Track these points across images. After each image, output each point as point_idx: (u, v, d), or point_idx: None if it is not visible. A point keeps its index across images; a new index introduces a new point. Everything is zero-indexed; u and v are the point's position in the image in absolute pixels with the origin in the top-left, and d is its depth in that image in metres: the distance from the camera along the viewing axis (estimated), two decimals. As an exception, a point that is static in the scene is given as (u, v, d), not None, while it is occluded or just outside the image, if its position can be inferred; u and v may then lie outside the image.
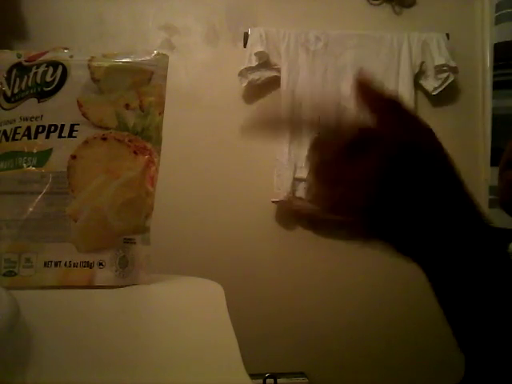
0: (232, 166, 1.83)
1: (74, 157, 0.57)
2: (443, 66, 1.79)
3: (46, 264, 0.55)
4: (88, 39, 1.78)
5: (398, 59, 1.82)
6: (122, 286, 0.56)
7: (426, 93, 1.87)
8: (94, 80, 0.59)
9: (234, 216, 1.83)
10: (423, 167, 0.38)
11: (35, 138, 0.58)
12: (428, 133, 0.41)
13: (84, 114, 0.58)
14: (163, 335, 0.41)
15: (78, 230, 0.56)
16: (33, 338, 0.36)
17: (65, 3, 1.79)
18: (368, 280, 1.82)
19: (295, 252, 1.84)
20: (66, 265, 0.56)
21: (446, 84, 1.81)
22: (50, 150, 0.57)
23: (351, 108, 0.40)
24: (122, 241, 0.58)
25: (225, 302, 0.51)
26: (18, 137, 0.58)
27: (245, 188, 1.84)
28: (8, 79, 0.60)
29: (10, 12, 1.75)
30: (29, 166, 0.57)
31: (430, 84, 1.84)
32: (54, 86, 0.59)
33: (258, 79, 1.81)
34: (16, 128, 0.58)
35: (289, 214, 1.82)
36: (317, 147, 0.40)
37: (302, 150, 1.77)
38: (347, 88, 1.79)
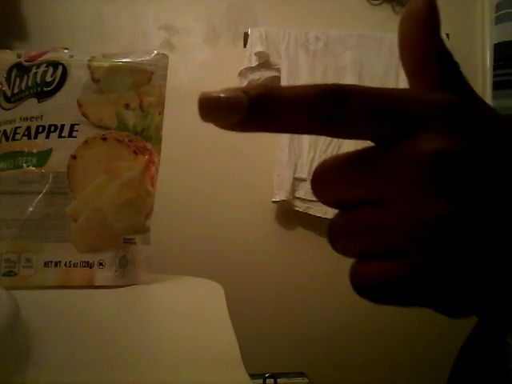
0: (232, 166, 1.83)
1: (74, 157, 0.57)
2: (443, 66, 1.79)
3: (45, 264, 0.55)
4: (88, 39, 1.78)
5: (398, 59, 1.82)
6: (121, 286, 0.56)
7: (426, 93, 1.87)
8: (94, 80, 0.59)
9: (234, 216, 1.83)
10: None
11: (35, 138, 0.58)
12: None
13: (84, 114, 0.58)
14: (163, 335, 0.41)
15: (78, 230, 0.56)
16: (33, 338, 0.36)
17: (65, 3, 1.79)
18: (368, 280, 1.81)
19: (295, 252, 1.84)
20: (66, 265, 0.56)
21: (446, 84, 1.81)
22: (50, 150, 0.57)
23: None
24: (121, 241, 0.58)
25: (225, 301, 0.51)
26: (17, 137, 0.58)
27: (245, 188, 1.83)
28: (8, 79, 0.60)
29: (10, 12, 1.75)
30: (29, 166, 0.57)
31: (430, 84, 1.84)
32: (54, 86, 0.59)
33: (258, 79, 1.80)
34: (16, 128, 0.58)
35: (289, 214, 1.81)
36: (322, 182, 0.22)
37: (303, 150, 1.77)
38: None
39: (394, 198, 0.20)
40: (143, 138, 0.60)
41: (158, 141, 0.61)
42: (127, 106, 0.59)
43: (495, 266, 0.19)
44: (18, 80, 0.60)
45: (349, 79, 1.79)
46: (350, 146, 1.79)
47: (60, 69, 0.59)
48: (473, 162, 0.19)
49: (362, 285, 0.22)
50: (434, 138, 0.19)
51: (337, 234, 0.22)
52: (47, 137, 0.58)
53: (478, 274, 0.19)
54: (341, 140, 1.79)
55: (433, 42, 0.22)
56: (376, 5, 1.91)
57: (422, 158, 0.19)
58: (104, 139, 0.58)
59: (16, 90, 0.60)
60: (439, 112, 0.20)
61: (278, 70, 1.81)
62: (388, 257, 0.20)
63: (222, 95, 0.21)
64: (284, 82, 1.78)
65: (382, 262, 0.21)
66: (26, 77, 0.60)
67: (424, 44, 0.22)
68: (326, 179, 0.21)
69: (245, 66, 1.77)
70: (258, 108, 0.20)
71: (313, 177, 0.22)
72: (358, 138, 0.21)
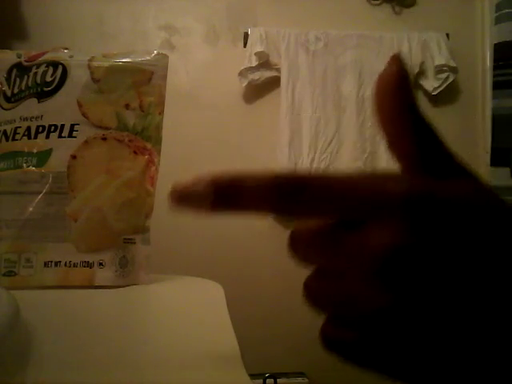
0: (232, 166, 1.83)
1: (74, 157, 0.57)
2: (443, 66, 1.79)
3: (45, 264, 0.55)
4: (88, 39, 1.78)
5: (398, 59, 1.82)
6: (121, 286, 0.56)
7: (426, 93, 1.87)
8: (94, 80, 0.59)
9: (233, 216, 1.83)
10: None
11: (35, 138, 0.58)
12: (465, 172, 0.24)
13: (84, 114, 0.58)
14: (163, 335, 0.41)
15: (78, 230, 0.56)
16: (33, 338, 0.36)
17: (65, 3, 1.79)
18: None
19: (295, 252, 1.84)
20: (66, 265, 0.56)
21: (446, 84, 1.81)
22: (50, 149, 0.57)
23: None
24: (121, 241, 0.58)
25: (225, 301, 0.51)
26: (18, 137, 0.58)
27: (245, 188, 1.83)
28: (8, 79, 0.60)
29: (10, 12, 1.75)
30: (29, 166, 0.57)
31: (430, 84, 1.84)
32: (54, 86, 0.59)
33: (258, 79, 1.81)
34: (16, 128, 0.58)
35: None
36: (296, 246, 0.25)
37: (303, 150, 1.77)
38: (347, 88, 1.79)
39: (347, 277, 0.21)
40: (143, 138, 0.60)
41: (157, 141, 0.61)
42: (127, 105, 0.59)
43: (433, 354, 0.20)
44: (18, 80, 0.60)
45: (349, 79, 1.79)
46: (349, 146, 1.79)
47: (60, 69, 0.59)
48: (415, 258, 0.19)
49: (326, 343, 0.24)
50: (384, 230, 0.20)
51: (309, 292, 0.24)
52: (47, 137, 0.58)
53: (416, 357, 0.20)
54: (341, 140, 1.79)
55: (406, 110, 0.23)
56: (376, 5, 1.91)
57: (370, 249, 0.20)
58: (104, 139, 0.58)
59: (16, 90, 0.60)
60: (393, 204, 0.20)
61: (278, 70, 1.81)
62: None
63: (190, 188, 0.22)
64: (284, 82, 1.78)
65: (341, 329, 0.23)
66: (26, 77, 0.60)
67: (397, 112, 0.23)
68: (297, 246, 0.25)
69: (245, 66, 1.77)
70: (223, 200, 0.22)
71: (288, 240, 0.25)
72: (316, 219, 0.23)
